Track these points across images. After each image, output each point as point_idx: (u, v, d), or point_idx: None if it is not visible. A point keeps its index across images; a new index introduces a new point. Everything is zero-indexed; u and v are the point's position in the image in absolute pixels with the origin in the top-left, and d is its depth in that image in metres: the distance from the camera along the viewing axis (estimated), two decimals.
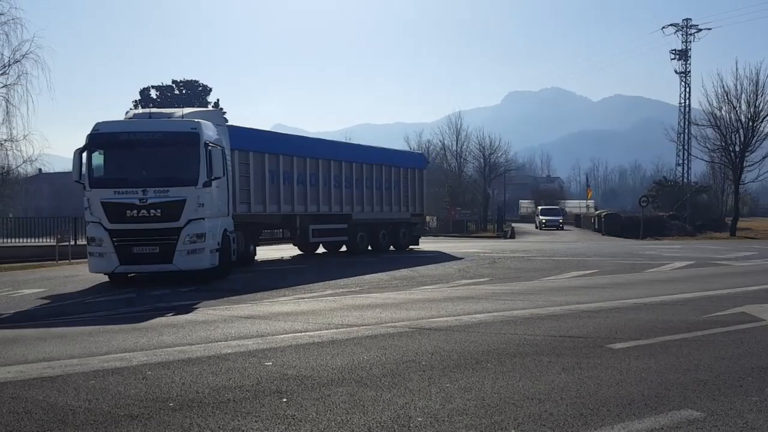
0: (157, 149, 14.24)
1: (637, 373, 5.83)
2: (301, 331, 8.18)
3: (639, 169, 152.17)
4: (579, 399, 5.02)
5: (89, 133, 14.18)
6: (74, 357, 6.84)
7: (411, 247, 27.29)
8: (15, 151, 27.07)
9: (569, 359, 6.38)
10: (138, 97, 65.62)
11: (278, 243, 24.31)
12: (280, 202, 20.21)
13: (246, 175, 18.49)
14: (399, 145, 64.73)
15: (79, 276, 16.32)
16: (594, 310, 9.75)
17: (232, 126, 18.62)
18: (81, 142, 14.28)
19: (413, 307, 10.42)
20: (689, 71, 62.67)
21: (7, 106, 26.25)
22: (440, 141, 70.75)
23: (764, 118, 43.00)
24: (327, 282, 14.52)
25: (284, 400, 5.12)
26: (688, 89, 62.58)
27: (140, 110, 17.83)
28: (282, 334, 8.02)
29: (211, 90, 68.75)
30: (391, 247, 26.02)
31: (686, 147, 60.47)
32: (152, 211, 13.70)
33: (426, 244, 31.24)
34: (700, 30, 63.22)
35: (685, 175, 62.32)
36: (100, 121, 14.58)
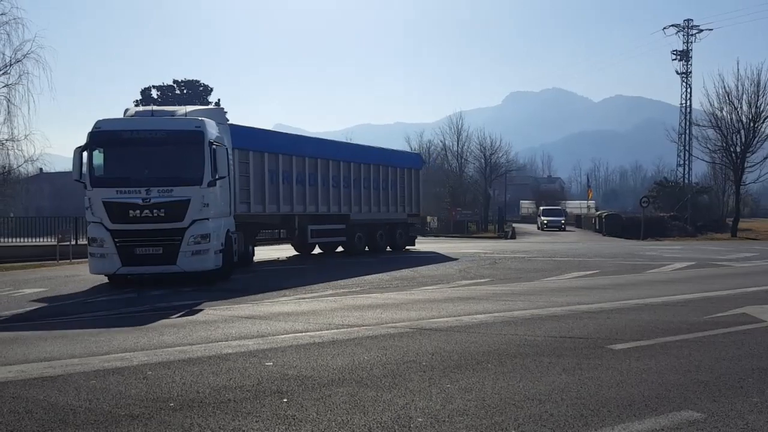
0: (160, 148, 13.93)
1: (638, 373, 5.83)
2: (301, 332, 8.18)
3: (640, 169, 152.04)
4: (579, 400, 5.03)
5: (90, 130, 13.87)
6: (75, 357, 6.85)
7: (407, 247, 27.25)
8: (16, 150, 27.11)
9: (570, 360, 6.38)
10: (139, 97, 65.69)
11: (275, 243, 24.25)
12: (279, 202, 20.15)
13: (246, 175, 18.37)
14: (400, 145, 64.77)
15: (80, 276, 16.32)
16: (595, 310, 9.75)
17: (232, 125, 18.54)
18: (82, 141, 13.96)
19: (414, 308, 10.43)
20: (690, 72, 62.75)
21: (8, 106, 26.30)
22: (441, 141, 70.78)
23: (765, 118, 43.02)
24: (327, 282, 14.51)
25: (285, 400, 5.12)
26: (689, 90, 62.69)
27: (141, 108, 17.52)
28: (283, 335, 8.03)
29: (212, 90, 68.88)
30: (388, 247, 25.98)
31: (687, 148, 60.53)
32: (155, 211, 13.42)
33: (426, 245, 31.26)
34: (702, 30, 63.35)
35: (686, 175, 62.37)
36: (101, 119, 14.25)
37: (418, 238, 30.06)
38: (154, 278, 14.34)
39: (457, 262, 20.12)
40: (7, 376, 6.00)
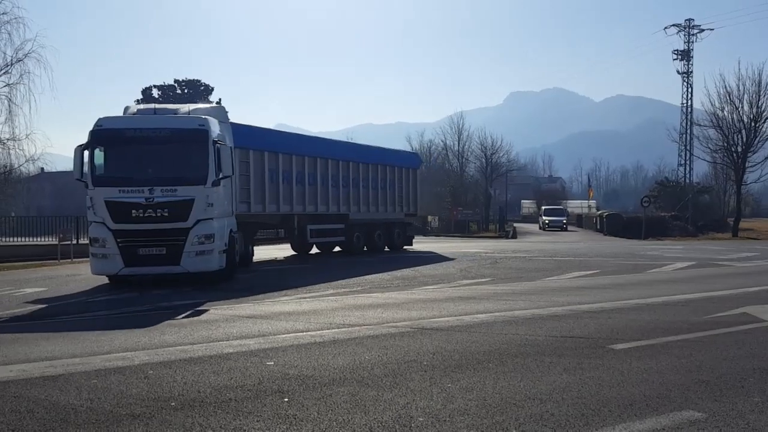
0: (163, 146, 13.67)
1: (639, 373, 5.83)
2: (302, 331, 8.18)
3: (641, 169, 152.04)
4: (580, 399, 5.03)
5: (92, 128, 13.56)
6: (76, 356, 6.86)
7: (405, 247, 27.20)
8: (17, 150, 27.18)
9: (571, 360, 6.38)
10: (140, 97, 65.75)
11: (272, 243, 24.18)
12: (279, 201, 20.11)
13: (246, 174, 18.29)
14: (401, 145, 64.84)
15: (81, 275, 16.33)
16: (596, 310, 9.74)
17: (232, 123, 18.45)
18: (83, 141, 13.66)
19: (415, 307, 10.43)
20: (692, 71, 62.72)
21: (9, 105, 26.35)
22: (442, 141, 70.94)
23: (767, 118, 42.99)
24: (328, 282, 14.51)
25: (286, 399, 5.12)
26: (690, 90, 62.66)
27: (143, 105, 17.32)
28: (284, 334, 8.03)
29: (213, 89, 68.96)
30: (386, 247, 25.94)
31: (688, 147, 60.49)
32: (159, 210, 13.19)
33: (426, 245, 31.26)
34: (703, 30, 63.32)
35: (687, 175, 62.34)
36: (102, 117, 13.91)
37: (419, 237, 30.12)
38: (154, 278, 14.31)
39: (458, 261, 20.11)
40: (9, 376, 6.01)
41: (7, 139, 26.82)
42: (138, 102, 63.55)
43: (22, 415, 4.82)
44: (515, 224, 60.42)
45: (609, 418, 4.59)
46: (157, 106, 16.31)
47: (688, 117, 61.46)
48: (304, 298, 11.98)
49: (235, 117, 16.97)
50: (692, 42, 62.69)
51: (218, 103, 65.01)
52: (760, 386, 5.42)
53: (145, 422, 4.62)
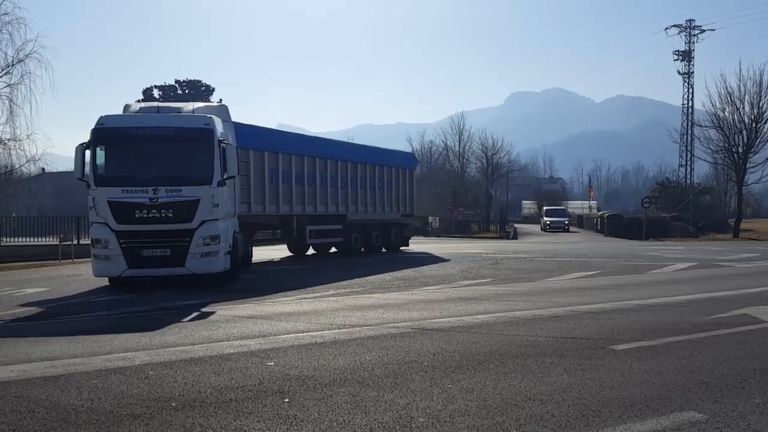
0: (168, 145, 13.39)
1: (639, 374, 5.83)
2: (303, 332, 8.19)
3: (642, 170, 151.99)
4: (581, 400, 5.03)
5: (94, 127, 13.25)
6: (77, 356, 6.86)
7: (402, 248, 27.15)
8: (18, 150, 27.18)
9: (571, 360, 6.38)
10: (141, 97, 65.69)
11: (269, 244, 24.11)
12: (279, 202, 20.04)
13: (246, 174, 18.13)
14: (401, 145, 64.77)
15: (82, 275, 16.34)
16: (596, 311, 9.74)
17: (234, 122, 18.38)
18: (84, 141, 13.38)
19: (415, 308, 10.43)
20: (692, 72, 62.69)
21: (10, 106, 26.38)
22: (443, 141, 70.91)
23: (767, 119, 42.96)
24: (329, 283, 14.50)
25: (286, 400, 5.13)
26: (691, 90, 62.62)
27: (145, 104, 17.14)
28: (284, 335, 8.03)
29: (214, 90, 68.94)
30: (383, 248, 25.89)
31: (689, 148, 60.45)
32: (163, 211, 12.93)
33: (426, 245, 31.26)
34: (704, 31, 63.29)
35: (688, 176, 62.31)
36: (104, 115, 13.59)
37: (420, 238, 30.12)
38: (156, 280, 14.20)
39: (459, 262, 20.11)
40: (10, 376, 6.01)
41: (8, 140, 26.88)
42: (139, 102, 63.50)
43: (23, 415, 4.83)
44: (516, 225, 60.33)
45: (609, 419, 4.59)
46: (160, 104, 16.07)
47: (689, 117, 61.44)
48: (305, 298, 11.98)
49: (235, 117, 16.87)
50: (693, 42, 62.69)
51: (219, 101, 65.06)
52: (761, 387, 5.42)
53: (146, 422, 4.63)
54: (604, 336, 7.71)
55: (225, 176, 13.61)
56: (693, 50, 62.79)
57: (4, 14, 26.03)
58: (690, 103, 62.22)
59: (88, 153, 13.28)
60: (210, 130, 13.46)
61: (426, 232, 52.68)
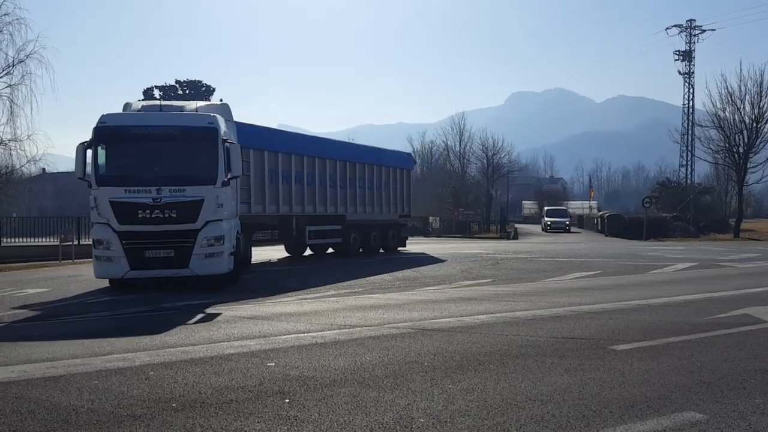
0: (171, 144, 13.14)
1: (640, 374, 5.83)
2: (303, 332, 8.18)
3: (642, 170, 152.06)
4: (581, 400, 5.02)
5: (95, 126, 12.96)
6: (77, 357, 6.86)
7: (399, 248, 27.10)
8: (19, 150, 27.19)
9: (572, 361, 6.37)
10: (141, 97, 65.74)
11: (266, 245, 24.04)
12: (279, 202, 19.99)
13: (246, 174, 18.08)
14: (402, 146, 64.85)
15: (83, 276, 16.34)
16: (597, 311, 9.74)
17: (235, 122, 18.32)
18: (86, 140, 13.14)
19: (416, 308, 10.42)
20: (693, 72, 62.76)
21: (11, 106, 26.38)
22: (443, 142, 70.97)
23: None
24: (329, 283, 14.50)
25: (287, 400, 5.13)
26: (691, 90, 62.69)
27: (147, 102, 16.92)
28: (285, 335, 8.03)
29: (214, 90, 69.00)
30: (380, 249, 25.85)
31: (690, 148, 60.51)
32: (167, 211, 12.65)
33: (425, 246, 31.25)
34: (704, 31, 63.39)
35: (689, 176, 62.36)
36: (105, 113, 13.29)
37: (420, 238, 30.12)
38: (159, 280, 14.13)
39: (459, 262, 20.11)
40: (10, 377, 6.01)
41: (9, 140, 26.88)
42: (140, 101, 63.49)
43: (24, 416, 4.83)
44: (516, 225, 60.27)
45: (610, 419, 4.58)
46: (163, 102, 15.93)
47: (690, 117, 61.49)
48: (306, 299, 11.98)
49: (235, 117, 16.85)
50: (694, 42, 62.79)
51: (220, 101, 64.99)
52: (762, 387, 5.42)
53: (146, 423, 4.63)
54: (604, 336, 7.71)
55: (229, 176, 13.42)
56: (694, 50, 62.90)
57: (5, 14, 26.06)
58: (691, 103, 62.32)
59: (89, 152, 13.05)
60: (214, 129, 13.26)
61: (426, 232, 52.70)
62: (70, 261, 21.87)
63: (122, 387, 5.59)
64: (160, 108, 14.66)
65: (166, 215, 12.71)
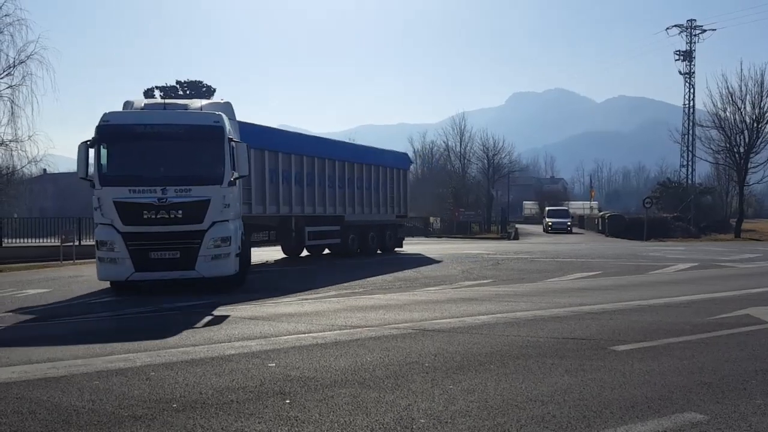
0: (176, 143, 12.84)
1: (641, 375, 5.83)
2: (304, 333, 8.19)
3: (643, 170, 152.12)
4: (582, 401, 5.02)
5: (98, 124, 12.61)
6: (78, 357, 6.86)
7: (396, 249, 27.05)
8: (20, 151, 27.15)
9: (572, 361, 6.37)
10: (142, 97, 65.85)
11: (264, 246, 23.98)
12: (279, 202, 19.91)
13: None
14: (402, 146, 64.92)
15: (84, 276, 16.36)
16: (597, 311, 9.74)
17: (237, 121, 18.19)
18: (88, 139, 12.81)
19: (416, 309, 10.42)
20: (694, 72, 62.74)
21: (12, 107, 26.37)
22: (444, 142, 71.03)
23: None
24: (330, 284, 14.50)
25: (287, 401, 5.13)
26: (692, 90, 62.68)
27: (150, 100, 16.79)
28: (285, 336, 8.03)
29: (215, 90, 69.00)
30: (378, 250, 25.82)
31: (690, 148, 60.46)
32: (173, 212, 12.34)
33: (425, 246, 31.25)
34: (705, 31, 63.36)
35: (690, 176, 62.31)
36: (108, 112, 12.95)
37: (421, 238, 30.09)
38: (160, 282, 14.03)
39: (459, 263, 20.10)
40: (11, 377, 6.02)
41: (10, 141, 26.87)
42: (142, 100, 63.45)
43: (24, 417, 4.83)
44: (517, 225, 60.20)
45: (610, 419, 4.58)
46: (167, 101, 15.77)
47: (690, 118, 61.47)
48: (306, 299, 11.98)
49: (236, 117, 16.82)
50: (694, 42, 62.75)
51: (222, 100, 64.95)
52: (763, 388, 5.41)
53: (147, 424, 4.63)
54: (605, 337, 7.71)
55: (235, 175, 13.14)
56: (694, 50, 62.88)
57: (6, 15, 26.06)
58: (691, 103, 62.29)
59: (92, 152, 12.72)
60: (220, 128, 12.96)
61: (427, 232, 52.72)
62: (71, 261, 21.89)
63: (123, 387, 5.59)
64: (164, 106, 14.39)
65: (172, 216, 12.39)
